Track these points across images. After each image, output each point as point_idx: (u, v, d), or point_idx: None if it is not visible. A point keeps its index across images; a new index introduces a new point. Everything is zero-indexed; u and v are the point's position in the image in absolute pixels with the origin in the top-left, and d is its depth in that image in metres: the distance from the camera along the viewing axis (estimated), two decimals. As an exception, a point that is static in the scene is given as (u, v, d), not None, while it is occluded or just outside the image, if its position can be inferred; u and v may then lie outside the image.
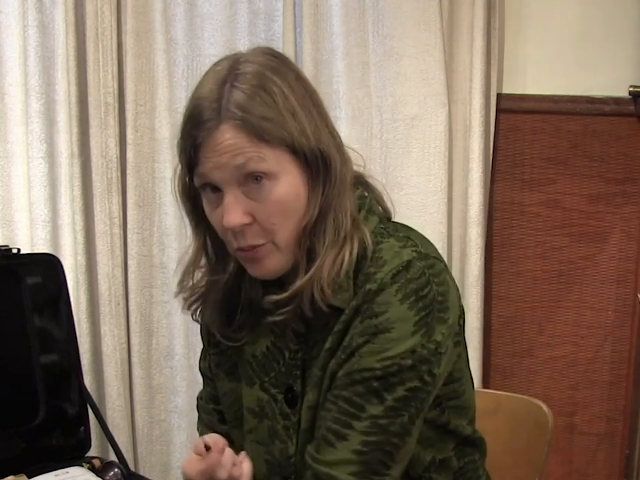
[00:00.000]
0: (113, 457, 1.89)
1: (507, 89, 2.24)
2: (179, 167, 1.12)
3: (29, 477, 1.70)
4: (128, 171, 2.19)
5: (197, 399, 1.36)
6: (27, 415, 1.79)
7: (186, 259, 1.18)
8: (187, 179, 1.11)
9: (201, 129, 1.04)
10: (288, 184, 1.06)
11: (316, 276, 1.07)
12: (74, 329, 1.88)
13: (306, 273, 1.08)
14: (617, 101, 2.14)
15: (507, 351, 2.29)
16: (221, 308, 1.18)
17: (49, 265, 1.85)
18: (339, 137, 1.13)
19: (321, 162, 1.07)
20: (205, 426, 1.33)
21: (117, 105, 2.16)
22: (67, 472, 1.73)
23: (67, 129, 2.12)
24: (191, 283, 1.19)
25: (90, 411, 1.87)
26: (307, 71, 2.08)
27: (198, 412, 1.35)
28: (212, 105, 1.04)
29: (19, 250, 1.82)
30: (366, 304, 1.06)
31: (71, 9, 2.07)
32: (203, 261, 1.18)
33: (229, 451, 1.15)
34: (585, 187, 2.21)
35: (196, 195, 1.12)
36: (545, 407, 1.48)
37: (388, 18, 2.13)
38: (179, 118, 2.39)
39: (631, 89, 2.10)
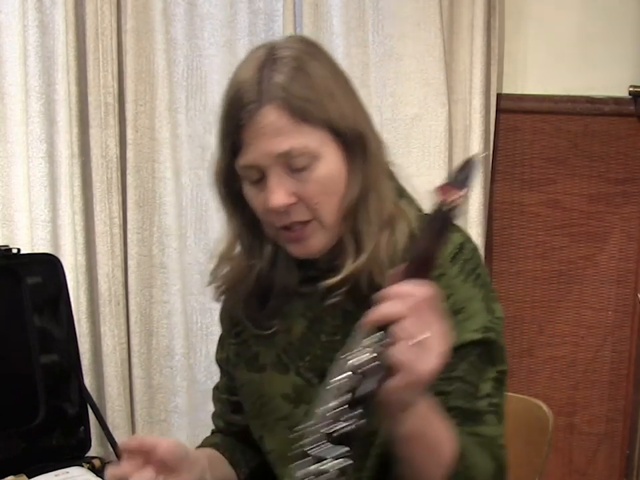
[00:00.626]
0: (113, 457, 1.89)
1: (507, 89, 2.24)
2: (216, 152, 1.13)
3: (29, 477, 1.70)
4: (128, 171, 2.19)
5: (213, 389, 1.36)
6: (27, 415, 1.79)
7: (220, 247, 1.19)
8: (225, 164, 1.12)
9: (243, 111, 1.05)
10: (330, 164, 1.08)
11: (373, 256, 1.09)
12: (74, 328, 1.88)
13: (357, 253, 1.10)
14: (617, 100, 2.14)
15: (507, 350, 2.28)
16: (253, 294, 1.19)
17: (49, 265, 1.85)
18: (372, 121, 1.15)
19: (359, 143, 1.09)
20: (217, 417, 1.34)
21: (117, 105, 2.16)
22: (67, 472, 1.73)
23: (67, 129, 2.12)
24: (225, 271, 1.20)
25: (90, 410, 1.87)
26: (307, 70, 2.08)
27: (213, 402, 1.36)
28: (253, 87, 1.05)
29: (19, 250, 1.83)
30: None
31: (70, 9, 2.07)
32: (236, 250, 1.18)
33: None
34: (585, 187, 2.21)
35: (232, 179, 1.13)
36: (545, 407, 1.48)
37: (388, 18, 2.13)
38: (179, 118, 2.40)
39: (630, 89, 2.10)
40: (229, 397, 1.31)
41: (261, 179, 1.08)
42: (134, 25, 2.14)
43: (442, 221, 0.92)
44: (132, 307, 2.24)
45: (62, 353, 1.84)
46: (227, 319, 1.28)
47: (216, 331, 2.31)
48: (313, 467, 0.92)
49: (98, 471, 1.76)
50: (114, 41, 2.13)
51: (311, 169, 1.06)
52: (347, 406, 0.90)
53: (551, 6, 2.18)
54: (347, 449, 0.91)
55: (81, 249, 2.18)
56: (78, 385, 1.86)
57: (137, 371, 2.26)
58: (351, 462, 0.92)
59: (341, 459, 0.91)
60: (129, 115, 2.17)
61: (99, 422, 1.88)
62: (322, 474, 0.92)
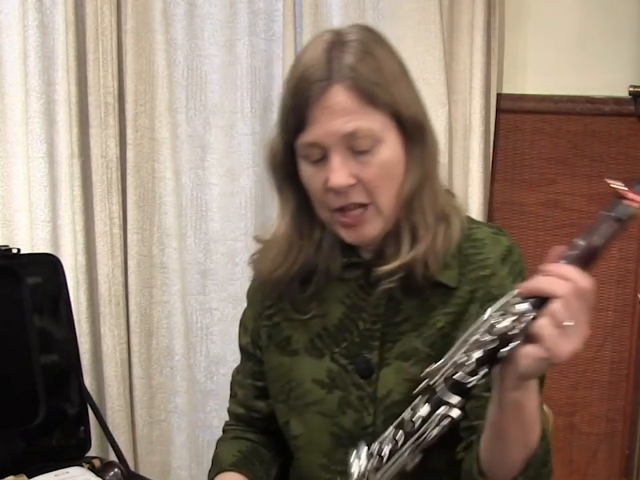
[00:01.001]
0: (113, 457, 1.89)
1: (507, 89, 2.24)
2: (275, 130, 1.13)
3: (29, 477, 1.70)
4: (128, 171, 2.19)
5: (233, 375, 1.35)
6: (27, 415, 1.79)
7: (270, 229, 1.20)
8: (284, 143, 1.12)
9: (311, 88, 1.05)
10: (391, 149, 1.09)
11: (430, 247, 1.11)
12: (74, 328, 1.88)
13: (413, 242, 1.11)
14: (617, 101, 2.14)
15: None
16: (296, 277, 1.19)
17: (49, 265, 1.85)
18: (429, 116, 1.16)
19: (419, 133, 1.11)
20: (237, 403, 1.33)
21: (117, 105, 2.16)
22: (67, 472, 1.73)
23: (67, 129, 2.11)
24: (272, 254, 1.20)
25: (90, 410, 1.87)
26: (307, 70, 2.08)
27: (231, 388, 1.35)
28: (323, 66, 1.06)
29: (19, 250, 1.82)
30: (481, 289, 1.12)
31: (70, 9, 2.07)
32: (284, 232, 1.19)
33: None
34: (585, 187, 2.21)
35: (289, 160, 1.13)
36: (545, 407, 1.48)
37: (388, 18, 2.13)
38: (179, 118, 2.40)
39: (630, 89, 2.10)
40: (253, 382, 1.30)
41: (321, 159, 1.08)
42: (134, 25, 2.14)
43: (619, 220, 0.94)
44: (132, 307, 2.23)
45: (62, 353, 1.84)
46: (258, 301, 1.27)
47: (216, 331, 2.33)
48: (424, 409, 0.96)
49: (98, 471, 1.76)
50: (114, 41, 2.13)
51: (373, 152, 1.07)
52: (474, 360, 0.93)
53: (550, 6, 2.19)
54: (462, 399, 0.95)
55: (81, 249, 2.17)
56: (78, 385, 1.85)
57: (137, 371, 2.26)
58: (462, 414, 0.95)
59: (456, 408, 0.95)
60: (129, 115, 2.17)
61: (99, 422, 1.88)
62: (433, 417, 0.95)
